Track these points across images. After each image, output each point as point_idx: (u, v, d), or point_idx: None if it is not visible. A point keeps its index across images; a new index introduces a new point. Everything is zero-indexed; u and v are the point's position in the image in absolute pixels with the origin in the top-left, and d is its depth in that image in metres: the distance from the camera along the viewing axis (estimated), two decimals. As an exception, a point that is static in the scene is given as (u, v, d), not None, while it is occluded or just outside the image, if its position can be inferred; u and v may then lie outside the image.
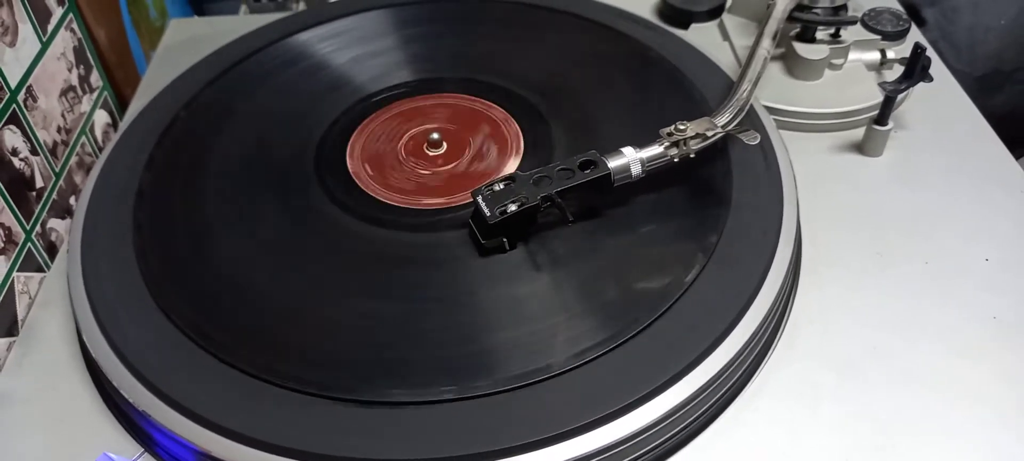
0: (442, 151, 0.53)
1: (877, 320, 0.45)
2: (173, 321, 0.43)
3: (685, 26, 0.66)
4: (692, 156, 0.47)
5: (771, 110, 0.56)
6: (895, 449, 0.39)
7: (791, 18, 0.57)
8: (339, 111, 0.57)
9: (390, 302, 0.44)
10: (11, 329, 0.48)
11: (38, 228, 0.53)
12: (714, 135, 0.47)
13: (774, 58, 0.59)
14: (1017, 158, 0.54)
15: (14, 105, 0.52)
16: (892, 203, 0.51)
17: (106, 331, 0.43)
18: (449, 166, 0.52)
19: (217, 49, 0.63)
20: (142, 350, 0.42)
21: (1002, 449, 0.39)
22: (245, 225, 0.49)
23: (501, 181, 0.46)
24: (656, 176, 0.47)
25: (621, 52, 0.60)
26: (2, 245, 0.49)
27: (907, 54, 0.51)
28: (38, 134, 0.55)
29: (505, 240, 0.45)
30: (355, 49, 0.62)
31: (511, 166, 0.52)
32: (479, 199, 0.45)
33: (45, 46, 0.57)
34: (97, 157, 0.60)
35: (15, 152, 0.52)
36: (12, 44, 0.53)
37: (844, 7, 0.57)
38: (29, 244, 0.52)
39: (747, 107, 0.50)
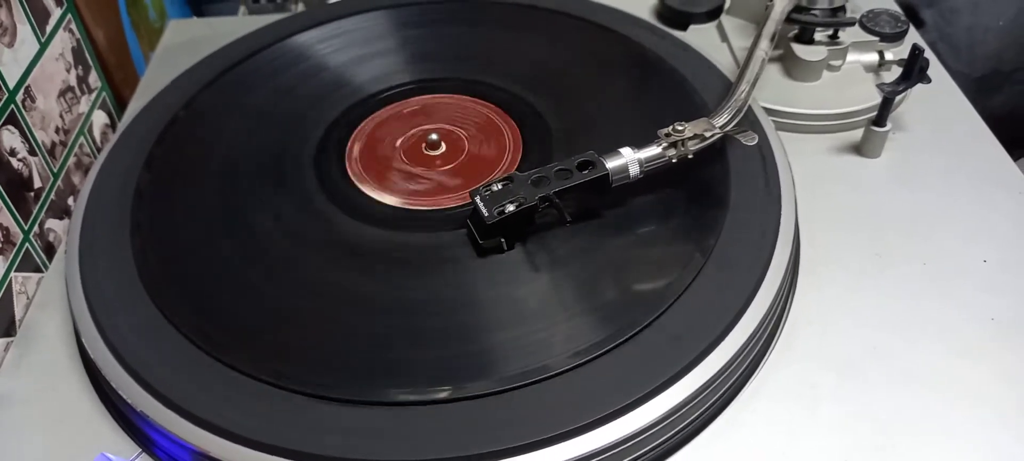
0: (441, 152, 0.53)
1: (876, 321, 0.45)
2: (171, 321, 0.43)
3: (684, 27, 0.66)
4: (690, 157, 0.47)
5: (769, 111, 0.56)
6: (895, 449, 0.39)
7: (789, 19, 0.57)
8: (338, 112, 0.57)
9: (389, 302, 0.44)
10: (9, 330, 0.48)
11: (36, 228, 0.53)
12: (712, 136, 0.47)
13: (772, 59, 0.59)
14: (1016, 159, 0.54)
15: (12, 105, 0.52)
16: (891, 204, 0.51)
17: (104, 331, 0.43)
18: (447, 167, 0.52)
19: (216, 50, 0.63)
20: (140, 350, 0.42)
21: (1002, 449, 0.39)
22: (243, 226, 0.49)
23: (499, 181, 0.46)
24: (654, 177, 0.47)
25: (620, 53, 0.60)
26: (0, 245, 0.49)
27: (905, 55, 0.51)
28: (36, 134, 0.55)
29: (503, 240, 0.45)
30: (354, 50, 0.62)
31: (509, 167, 0.52)
32: (477, 199, 0.45)
33: (43, 47, 0.57)
34: (95, 158, 0.60)
35: (13, 152, 0.52)
36: (10, 44, 0.53)
37: (842, 8, 0.57)
38: (27, 244, 0.52)
39: (745, 108, 0.50)
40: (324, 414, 0.38)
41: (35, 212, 0.53)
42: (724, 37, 0.64)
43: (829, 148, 0.55)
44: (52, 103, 0.57)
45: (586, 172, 0.46)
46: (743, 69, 0.52)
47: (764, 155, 0.50)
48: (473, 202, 0.45)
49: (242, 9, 0.78)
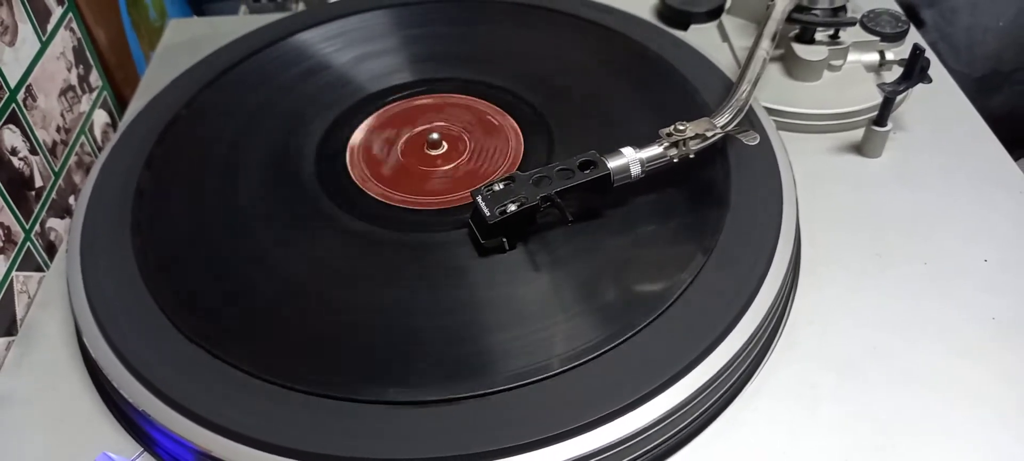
0: (442, 151, 0.53)
1: (876, 320, 0.45)
2: (172, 320, 0.43)
3: (684, 27, 0.66)
4: (691, 157, 0.47)
5: (770, 111, 0.56)
6: (895, 449, 0.39)
7: (790, 19, 0.57)
8: (338, 111, 0.57)
9: (389, 302, 0.44)
10: (10, 329, 0.48)
11: (37, 228, 0.53)
12: (713, 136, 0.47)
13: (773, 59, 0.59)
14: (1016, 159, 0.54)
15: (13, 105, 0.52)
16: (891, 204, 0.51)
17: (105, 330, 0.43)
18: (448, 166, 0.52)
19: (217, 49, 0.63)
20: (141, 349, 0.42)
21: (1002, 449, 0.39)
22: (244, 225, 0.49)
23: (500, 181, 0.46)
24: (655, 177, 0.47)
25: (620, 53, 0.60)
26: (1, 244, 0.49)
27: (906, 55, 0.51)
28: (37, 134, 0.55)
29: (504, 240, 0.45)
30: (355, 49, 0.62)
31: (510, 166, 0.52)
32: (479, 199, 0.45)
33: (44, 46, 0.57)
34: (96, 157, 0.60)
35: (14, 151, 0.52)
36: (11, 44, 0.53)
37: (843, 8, 0.57)
38: (28, 244, 0.52)
39: (746, 108, 0.50)
40: (325, 413, 0.38)
41: (36, 211, 0.53)
42: (725, 37, 0.64)
43: (830, 148, 0.55)
44: (53, 102, 0.57)
45: (588, 172, 0.46)
46: (744, 69, 0.52)
47: (765, 155, 0.50)
48: (474, 202, 0.45)
49: (243, 8, 0.78)
